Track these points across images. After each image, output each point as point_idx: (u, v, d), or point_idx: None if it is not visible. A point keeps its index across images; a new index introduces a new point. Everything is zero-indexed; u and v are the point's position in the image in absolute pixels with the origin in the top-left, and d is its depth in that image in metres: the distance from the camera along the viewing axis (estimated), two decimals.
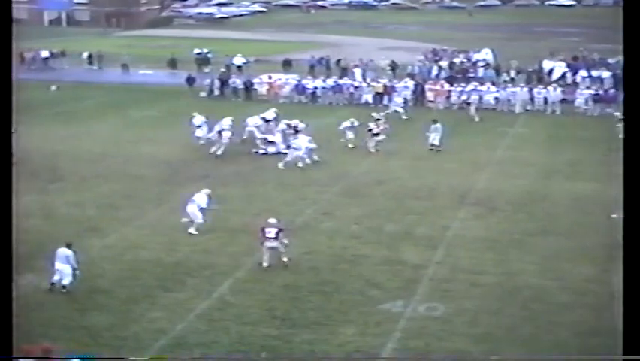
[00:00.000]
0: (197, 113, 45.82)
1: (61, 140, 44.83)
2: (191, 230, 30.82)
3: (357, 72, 66.73)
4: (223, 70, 67.38)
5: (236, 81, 63.17)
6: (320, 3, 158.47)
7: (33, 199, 34.19)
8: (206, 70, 71.67)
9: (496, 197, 36.14)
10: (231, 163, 41.53)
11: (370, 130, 44.51)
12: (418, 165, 41.64)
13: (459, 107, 56.21)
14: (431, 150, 44.45)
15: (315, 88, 61.15)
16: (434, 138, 44.88)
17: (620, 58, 70.49)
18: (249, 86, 61.96)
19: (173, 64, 74.79)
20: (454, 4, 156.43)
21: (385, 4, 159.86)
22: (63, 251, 25.47)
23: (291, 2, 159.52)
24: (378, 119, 45.49)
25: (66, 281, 25.32)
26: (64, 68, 75.18)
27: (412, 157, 43.19)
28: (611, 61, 70.56)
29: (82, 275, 25.78)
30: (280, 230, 27.77)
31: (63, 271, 25.35)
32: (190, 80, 64.53)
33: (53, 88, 62.39)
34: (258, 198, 35.71)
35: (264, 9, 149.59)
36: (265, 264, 27.59)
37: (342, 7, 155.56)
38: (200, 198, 31.23)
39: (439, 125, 45.52)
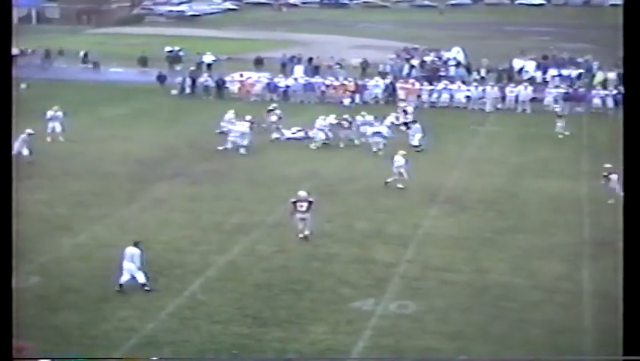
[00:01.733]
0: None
1: (31, 138, 44.38)
2: (400, 185, 36.68)
3: (299, 69, 66.67)
4: (193, 68, 67.20)
5: (208, 79, 63.00)
6: (291, 1, 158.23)
7: None
8: (178, 68, 71.21)
9: (466, 195, 36.22)
10: (203, 161, 41.44)
11: (405, 124, 45.04)
12: (388, 163, 41.57)
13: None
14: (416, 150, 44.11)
15: (287, 86, 61.03)
16: (413, 139, 44.86)
17: (589, 57, 71.25)
18: (220, 85, 61.79)
19: (144, 62, 74.41)
20: (426, 2, 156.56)
21: (357, 3, 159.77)
22: (130, 250, 25.60)
23: (263, 0, 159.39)
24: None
25: (142, 280, 25.41)
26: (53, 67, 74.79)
27: (383, 155, 43.11)
28: (580, 60, 70.99)
29: (52, 273, 25.89)
30: (310, 202, 29.88)
31: (131, 269, 25.47)
32: (161, 78, 64.24)
33: (23, 86, 61.90)
34: (230, 196, 35.63)
35: (236, 7, 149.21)
36: (307, 232, 30.05)
37: (313, 6, 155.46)
38: (400, 159, 37.23)
39: (417, 125, 45.73)
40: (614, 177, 34.82)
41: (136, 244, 25.73)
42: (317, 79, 62.32)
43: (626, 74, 14.73)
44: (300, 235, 29.98)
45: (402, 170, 37.05)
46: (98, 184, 36.55)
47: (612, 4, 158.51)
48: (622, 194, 37.62)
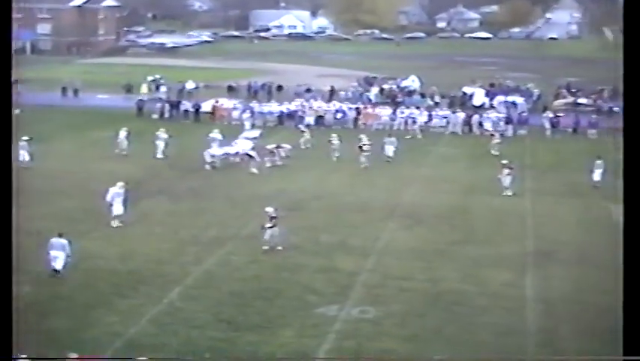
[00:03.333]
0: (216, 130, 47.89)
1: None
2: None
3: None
4: (170, 93, 67.43)
5: (186, 104, 62.82)
6: (262, 34, 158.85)
7: None
8: (159, 95, 70.75)
9: (422, 210, 36.27)
10: (184, 180, 41.29)
11: (360, 147, 45.22)
12: (352, 182, 41.71)
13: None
14: (387, 161, 45.88)
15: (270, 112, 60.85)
16: (389, 150, 46.68)
17: (531, 84, 71.90)
18: (197, 109, 61.65)
19: (128, 89, 74.10)
20: (384, 35, 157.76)
21: (322, 36, 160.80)
22: (58, 240, 26.62)
23: (236, 33, 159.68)
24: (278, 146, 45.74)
25: (59, 266, 26.62)
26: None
27: (346, 174, 43.25)
28: (523, 88, 71.60)
29: (44, 282, 25.78)
30: (272, 218, 29.82)
31: (58, 257, 26.59)
32: (140, 103, 64.02)
33: (17, 111, 61.36)
34: (207, 212, 35.49)
35: (211, 39, 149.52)
36: (266, 247, 29.74)
37: (282, 38, 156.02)
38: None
39: (393, 138, 47.73)
40: (505, 171, 38.92)
41: (60, 235, 26.86)
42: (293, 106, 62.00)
43: (626, 75, 14.30)
44: (264, 247, 29.92)
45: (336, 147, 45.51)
46: (86, 201, 36.18)
47: (551, 38, 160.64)
48: (509, 193, 38.61)
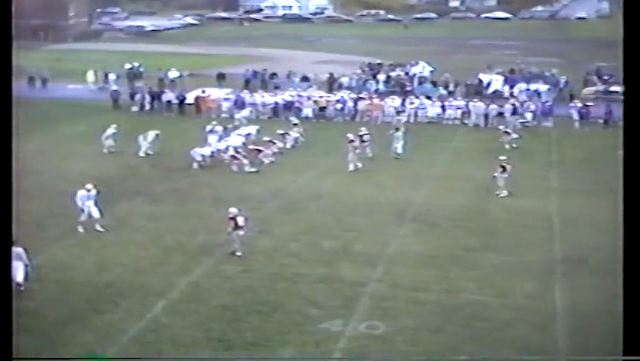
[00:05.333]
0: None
1: None
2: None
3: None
4: (150, 83, 67.37)
5: (170, 95, 62.59)
6: (253, 16, 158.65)
7: None
8: (139, 84, 70.46)
9: (435, 212, 36.18)
10: (165, 180, 41.17)
11: (355, 139, 45.08)
12: (355, 181, 41.59)
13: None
14: (397, 158, 45.88)
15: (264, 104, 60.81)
16: (397, 147, 46.52)
17: (556, 70, 71.80)
18: (182, 100, 61.44)
19: (105, 78, 73.73)
20: (390, 16, 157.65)
21: (320, 17, 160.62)
22: (16, 249, 25.24)
23: (224, 15, 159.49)
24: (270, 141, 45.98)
25: (19, 278, 26.01)
26: None
27: (348, 172, 43.12)
28: (547, 74, 71.50)
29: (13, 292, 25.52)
30: (232, 218, 30.03)
31: (17, 268, 25.83)
32: (115, 95, 63.87)
33: None
34: (193, 215, 35.36)
35: (197, 22, 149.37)
36: (238, 253, 30.04)
37: (276, 21, 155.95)
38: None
39: (399, 133, 47.36)
40: (499, 170, 39.04)
41: (14, 243, 25.03)
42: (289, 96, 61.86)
43: (626, 75, 14.39)
44: (237, 253, 30.12)
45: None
46: (55, 204, 36.04)
47: (579, 18, 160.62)
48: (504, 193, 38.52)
